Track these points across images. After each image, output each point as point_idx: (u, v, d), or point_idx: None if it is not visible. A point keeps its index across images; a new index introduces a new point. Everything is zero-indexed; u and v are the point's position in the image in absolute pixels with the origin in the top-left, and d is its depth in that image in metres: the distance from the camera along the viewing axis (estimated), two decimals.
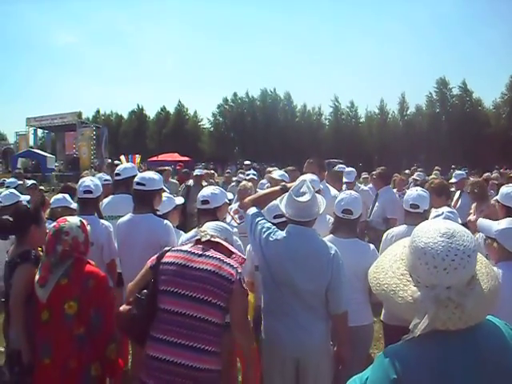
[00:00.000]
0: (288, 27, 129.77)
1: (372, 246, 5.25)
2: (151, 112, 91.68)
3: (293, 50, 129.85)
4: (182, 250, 3.91)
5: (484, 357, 1.99)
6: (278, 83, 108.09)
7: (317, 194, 4.58)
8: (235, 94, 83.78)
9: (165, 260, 3.87)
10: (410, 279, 2.06)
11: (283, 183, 4.96)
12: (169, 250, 3.96)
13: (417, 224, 5.27)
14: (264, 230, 4.48)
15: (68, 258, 4.11)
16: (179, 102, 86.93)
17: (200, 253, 3.85)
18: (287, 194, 4.54)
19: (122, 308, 3.92)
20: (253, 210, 4.68)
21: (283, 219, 4.76)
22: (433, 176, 14.11)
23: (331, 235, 5.24)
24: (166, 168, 13.79)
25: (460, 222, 5.50)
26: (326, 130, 79.46)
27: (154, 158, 49.18)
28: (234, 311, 3.82)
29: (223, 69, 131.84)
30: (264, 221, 4.59)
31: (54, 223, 4.30)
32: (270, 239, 4.41)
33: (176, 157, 50.07)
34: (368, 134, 74.60)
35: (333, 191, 7.61)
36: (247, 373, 4.34)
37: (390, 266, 2.16)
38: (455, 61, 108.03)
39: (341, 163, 31.06)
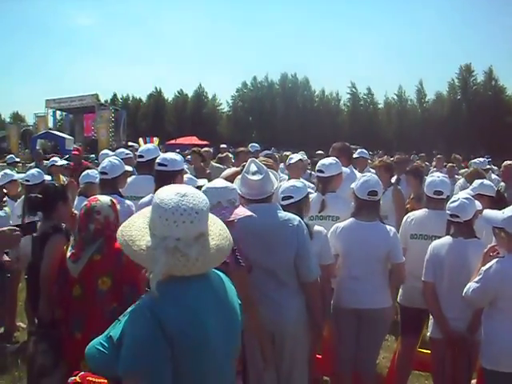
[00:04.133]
0: (305, 11, 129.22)
1: (393, 229, 5.29)
2: (169, 95, 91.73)
3: (311, 34, 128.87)
4: None
5: (220, 296, 2.57)
6: (297, 68, 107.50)
7: (270, 172, 4.69)
8: (255, 78, 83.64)
9: None
10: (148, 232, 2.43)
11: (244, 164, 4.99)
12: None
13: (438, 209, 5.34)
14: None
15: (100, 236, 4.19)
16: (200, 85, 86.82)
17: None
18: (241, 174, 4.65)
19: None
20: None
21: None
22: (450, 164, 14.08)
23: (352, 218, 5.29)
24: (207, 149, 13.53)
25: (480, 207, 5.49)
26: (344, 115, 79.32)
27: (172, 141, 49.26)
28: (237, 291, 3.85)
29: (243, 52, 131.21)
30: None
31: (86, 201, 4.39)
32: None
33: (194, 140, 50.05)
34: (387, 121, 74.35)
35: (358, 175, 7.61)
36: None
37: (137, 221, 2.53)
38: (479, 47, 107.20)
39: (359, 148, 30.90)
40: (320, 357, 5.64)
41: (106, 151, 11.23)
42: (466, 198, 5.13)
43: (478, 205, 5.38)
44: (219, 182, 4.04)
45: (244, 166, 4.77)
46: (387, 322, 5.41)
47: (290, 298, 4.51)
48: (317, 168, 6.50)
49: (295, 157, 8.42)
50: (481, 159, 10.92)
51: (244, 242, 4.38)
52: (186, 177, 5.96)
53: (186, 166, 7.74)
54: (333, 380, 5.85)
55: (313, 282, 4.56)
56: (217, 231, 2.56)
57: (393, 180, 8.90)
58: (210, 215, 2.57)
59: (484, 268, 4.44)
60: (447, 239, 5.12)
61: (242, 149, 9.85)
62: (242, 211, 3.98)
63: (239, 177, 4.71)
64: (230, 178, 4.87)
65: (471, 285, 4.49)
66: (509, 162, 10.57)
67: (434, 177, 6.00)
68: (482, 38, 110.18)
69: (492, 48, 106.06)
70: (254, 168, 4.58)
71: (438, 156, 15.29)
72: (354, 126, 72.14)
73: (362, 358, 5.28)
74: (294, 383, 4.53)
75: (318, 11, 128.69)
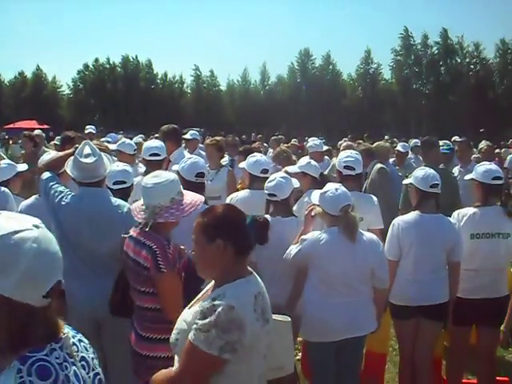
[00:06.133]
0: None
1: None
2: (6, 76, 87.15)
3: (154, 16, 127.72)
4: (130, 237, 3.88)
5: None
6: (140, 50, 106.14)
7: (104, 155, 4.66)
8: (96, 60, 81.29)
9: (124, 248, 3.91)
10: None
11: (76, 146, 4.85)
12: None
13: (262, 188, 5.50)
14: (57, 193, 4.49)
15: None
16: (37, 66, 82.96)
17: (136, 237, 3.80)
18: (73, 156, 4.58)
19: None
20: (46, 174, 4.67)
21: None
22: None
23: None
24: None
25: (297, 185, 5.70)
26: (187, 98, 79.44)
27: (11, 126, 47.18)
28: (159, 297, 3.73)
29: (84, 34, 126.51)
30: (57, 185, 4.59)
31: None
32: (62, 203, 4.43)
33: (34, 124, 48.07)
34: (229, 103, 75.44)
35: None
36: None
37: None
38: (319, 33, 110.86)
39: (201, 132, 31.06)
40: None
41: None
42: (283, 177, 5.29)
43: (296, 183, 5.57)
44: (160, 175, 3.86)
45: (76, 148, 4.63)
46: None
47: (111, 281, 4.40)
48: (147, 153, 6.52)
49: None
50: (317, 142, 10.97)
51: (69, 223, 4.36)
52: (2, 163, 5.77)
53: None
54: None
55: None
56: None
57: (226, 161, 9.05)
58: None
59: (304, 237, 4.69)
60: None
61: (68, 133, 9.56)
62: (193, 202, 3.89)
63: (71, 158, 4.60)
64: (58, 161, 4.78)
65: (292, 248, 4.75)
66: (346, 144, 10.83)
67: (257, 156, 6.16)
68: (320, 23, 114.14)
69: (329, 33, 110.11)
70: (87, 150, 4.48)
71: (273, 137, 15.53)
72: (198, 108, 72.39)
73: None
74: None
75: None
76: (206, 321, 2.59)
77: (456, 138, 14.11)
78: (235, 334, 2.58)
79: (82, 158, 4.41)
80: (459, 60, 66.47)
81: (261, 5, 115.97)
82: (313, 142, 10.65)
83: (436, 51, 66.86)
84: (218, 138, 9.16)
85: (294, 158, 8.52)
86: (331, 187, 4.68)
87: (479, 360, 5.49)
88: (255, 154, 6.34)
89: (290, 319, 3.38)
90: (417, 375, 5.29)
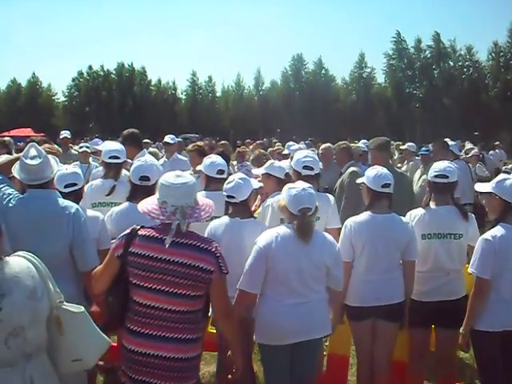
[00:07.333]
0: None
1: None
2: (1, 84, 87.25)
3: (148, 23, 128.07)
4: (151, 238, 3.71)
5: None
6: (134, 57, 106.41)
7: (51, 157, 4.68)
8: (90, 67, 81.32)
9: (133, 250, 3.70)
10: None
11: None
12: (135, 235, 3.74)
13: (218, 190, 5.48)
14: (5, 196, 4.50)
15: None
16: (33, 74, 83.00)
17: (179, 240, 3.69)
18: (20, 159, 4.57)
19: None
20: None
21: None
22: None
23: (127, 203, 5.36)
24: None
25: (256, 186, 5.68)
26: (182, 104, 79.90)
27: (6, 134, 47.10)
28: (214, 298, 3.83)
29: (78, 41, 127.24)
30: (6, 187, 4.59)
31: None
32: (10, 205, 4.44)
33: (29, 132, 47.92)
34: (224, 109, 75.71)
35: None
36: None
37: None
38: (311, 38, 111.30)
39: (196, 138, 30.98)
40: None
41: None
42: (241, 179, 5.24)
43: (256, 184, 5.55)
44: (183, 175, 3.82)
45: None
46: None
47: (63, 283, 4.38)
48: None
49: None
50: (296, 145, 11.09)
51: (16, 225, 4.35)
52: None
53: None
54: None
55: (89, 270, 4.43)
56: None
57: None
58: None
59: (257, 239, 4.62)
60: (224, 219, 5.23)
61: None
62: (209, 203, 3.91)
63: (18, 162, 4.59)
64: (9, 164, 4.74)
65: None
66: (326, 145, 10.34)
67: (213, 157, 6.18)
68: (313, 28, 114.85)
69: (323, 38, 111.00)
70: (33, 152, 4.48)
71: (257, 142, 15.77)
72: (192, 114, 72.78)
73: None
74: None
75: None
76: None
77: (447, 140, 14.11)
78: None
79: (27, 160, 4.41)
80: (452, 63, 67.04)
81: (255, 10, 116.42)
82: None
83: (429, 55, 67.39)
84: (200, 143, 9.25)
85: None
86: (300, 185, 4.61)
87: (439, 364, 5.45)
88: (211, 155, 6.35)
89: (82, 309, 3.21)
90: (376, 377, 5.24)
